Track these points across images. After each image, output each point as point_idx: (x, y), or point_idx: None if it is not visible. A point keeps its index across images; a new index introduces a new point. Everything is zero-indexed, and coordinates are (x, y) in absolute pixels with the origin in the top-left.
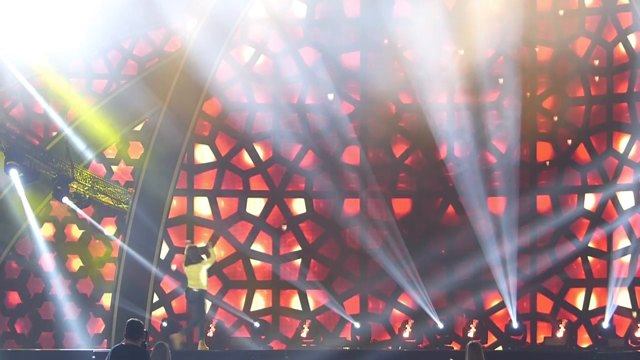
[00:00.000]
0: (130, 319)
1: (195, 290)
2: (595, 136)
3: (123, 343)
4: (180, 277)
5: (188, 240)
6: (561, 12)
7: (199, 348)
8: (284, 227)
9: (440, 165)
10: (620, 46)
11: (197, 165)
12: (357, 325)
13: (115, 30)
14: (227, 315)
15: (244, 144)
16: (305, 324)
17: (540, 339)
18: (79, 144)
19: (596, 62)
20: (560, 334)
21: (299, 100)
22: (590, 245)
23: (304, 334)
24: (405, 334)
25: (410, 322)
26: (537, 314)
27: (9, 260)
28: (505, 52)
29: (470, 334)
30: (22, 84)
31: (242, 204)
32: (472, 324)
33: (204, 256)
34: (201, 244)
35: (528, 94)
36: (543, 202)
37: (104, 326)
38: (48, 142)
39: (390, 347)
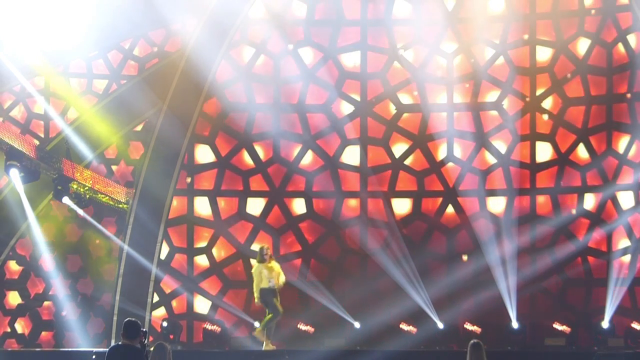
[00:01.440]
0: (127, 319)
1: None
2: (595, 136)
3: (120, 343)
4: (180, 277)
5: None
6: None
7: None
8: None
9: (440, 165)
10: (620, 46)
11: (197, 165)
12: (357, 325)
13: (116, 30)
14: (227, 315)
15: (244, 144)
16: (306, 324)
17: (540, 339)
18: (79, 144)
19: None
20: (560, 334)
21: (299, 100)
22: (590, 245)
23: (303, 332)
24: (405, 334)
25: (411, 322)
26: (537, 314)
27: (9, 260)
28: (505, 52)
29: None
30: (22, 84)
31: (242, 204)
32: (472, 324)
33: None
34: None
35: (528, 94)
36: (543, 202)
37: (104, 326)
38: (48, 142)
39: (390, 347)
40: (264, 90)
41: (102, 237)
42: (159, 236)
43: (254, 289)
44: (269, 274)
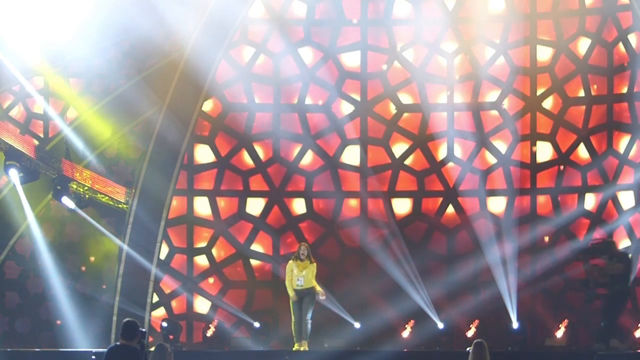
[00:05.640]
0: (125, 319)
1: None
2: (595, 136)
3: (118, 343)
4: (180, 277)
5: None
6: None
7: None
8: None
9: (440, 165)
10: (620, 46)
11: (197, 165)
12: (357, 325)
13: (115, 30)
14: (227, 315)
15: (244, 144)
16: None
17: (540, 339)
18: (79, 144)
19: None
20: (560, 334)
21: (299, 100)
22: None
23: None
24: (405, 334)
25: (411, 322)
26: (537, 314)
27: (8, 260)
28: (505, 52)
29: (470, 334)
30: (22, 84)
31: (242, 204)
32: (472, 323)
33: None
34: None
35: (528, 93)
36: (543, 202)
37: (103, 326)
38: (48, 142)
39: (390, 347)
40: (264, 90)
41: (102, 237)
42: (159, 236)
43: (287, 285)
44: (299, 273)
